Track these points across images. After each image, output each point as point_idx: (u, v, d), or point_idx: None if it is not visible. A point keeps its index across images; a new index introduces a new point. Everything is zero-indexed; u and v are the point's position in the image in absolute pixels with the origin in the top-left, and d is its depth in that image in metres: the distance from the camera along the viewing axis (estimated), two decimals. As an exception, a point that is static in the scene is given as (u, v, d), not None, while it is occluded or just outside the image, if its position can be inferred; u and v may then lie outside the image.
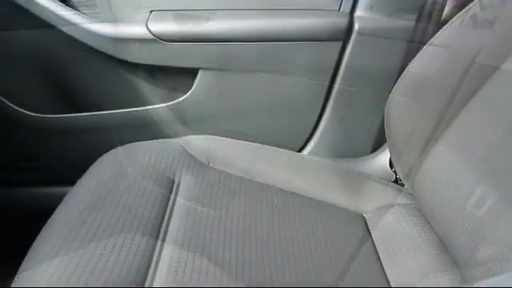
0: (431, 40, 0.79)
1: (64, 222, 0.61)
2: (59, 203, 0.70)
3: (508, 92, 0.70)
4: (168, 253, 0.59)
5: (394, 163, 0.87)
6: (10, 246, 0.99)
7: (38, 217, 0.74)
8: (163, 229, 0.64)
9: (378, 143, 0.96)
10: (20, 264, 0.61)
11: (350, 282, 0.66)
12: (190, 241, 0.62)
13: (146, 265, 0.57)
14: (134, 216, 0.64)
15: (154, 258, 0.58)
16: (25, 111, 0.97)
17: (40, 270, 0.54)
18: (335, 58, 0.91)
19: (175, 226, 0.65)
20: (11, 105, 0.95)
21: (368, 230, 0.79)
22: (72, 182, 0.76)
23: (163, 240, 0.62)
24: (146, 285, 0.55)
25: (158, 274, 0.56)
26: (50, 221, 0.63)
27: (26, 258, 0.58)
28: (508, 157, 0.66)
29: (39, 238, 0.61)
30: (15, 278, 0.55)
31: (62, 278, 0.51)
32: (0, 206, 1.07)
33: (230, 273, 0.58)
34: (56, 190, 1.03)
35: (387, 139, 0.85)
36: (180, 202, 0.71)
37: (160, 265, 0.58)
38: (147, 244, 0.59)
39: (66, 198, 0.69)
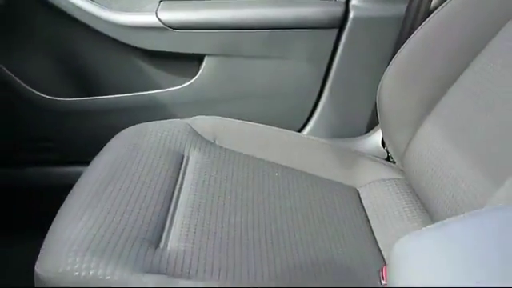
0: (420, 27, 0.86)
1: (87, 189, 0.68)
2: (74, 181, 0.77)
3: (488, 75, 0.77)
4: (180, 217, 0.67)
5: (386, 142, 0.93)
6: (32, 221, 1.06)
7: (54, 194, 0.81)
8: (175, 197, 0.71)
9: (372, 124, 1.03)
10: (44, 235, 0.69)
11: (343, 245, 0.73)
12: (199, 207, 0.69)
13: (161, 227, 0.64)
14: (148, 185, 0.71)
15: (168, 221, 0.66)
16: (42, 94, 1.03)
17: (67, 231, 0.60)
18: (332, 44, 0.98)
19: (185, 194, 0.72)
20: (29, 88, 1.02)
21: (361, 201, 0.86)
22: (86, 162, 0.83)
23: (175, 206, 0.69)
24: (161, 244, 0.62)
25: (171, 234, 0.64)
26: (73, 189, 0.71)
27: (53, 224, 0.65)
28: (487, 135, 0.72)
29: (64, 205, 0.68)
30: (44, 241, 0.62)
31: (87, 237, 0.58)
32: (19, 185, 1.14)
33: (235, 234, 0.65)
34: (71, 169, 1.10)
35: (379, 120, 0.92)
36: (189, 174, 0.78)
37: (173, 227, 0.65)
38: (161, 209, 0.67)
39: (86, 170, 0.76)
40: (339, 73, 1.00)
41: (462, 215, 0.42)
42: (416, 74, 0.86)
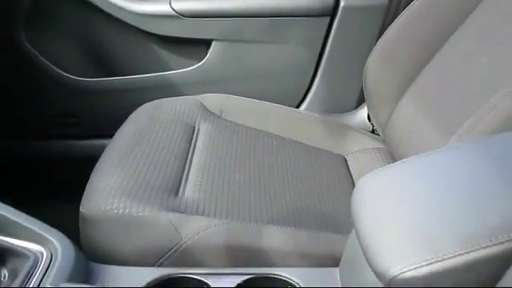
0: (400, 15, 0.98)
1: (116, 151, 0.82)
2: (96, 153, 0.88)
3: (453, 56, 0.90)
4: (193, 173, 0.80)
5: (371, 116, 1.06)
6: (58, 188, 1.19)
7: (77, 165, 0.94)
8: (189, 158, 0.85)
9: (360, 101, 1.16)
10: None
11: (330, 203, 0.87)
12: (209, 167, 0.83)
13: (178, 181, 0.78)
14: (167, 149, 0.84)
15: (184, 176, 0.79)
16: (68, 75, 1.16)
17: (103, 181, 0.74)
18: (324, 30, 1.10)
19: (197, 157, 0.85)
20: (58, 70, 1.15)
21: (348, 166, 1.00)
22: (107, 135, 0.95)
23: (189, 166, 0.82)
24: (179, 193, 0.76)
25: (187, 186, 0.77)
26: (104, 151, 0.84)
27: (91, 177, 0.78)
28: (452, 106, 0.85)
29: (98, 163, 0.82)
30: (85, 189, 0.76)
31: (121, 185, 0.72)
32: (47, 156, 1.28)
33: (239, 187, 0.79)
34: (93, 142, 1.23)
35: (365, 98, 1.05)
36: (200, 141, 0.91)
37: (188, 181, 0.78)
38: (178, 167, 0.80)
39: (114, 137, 0.90)
40: (331, 56, 1.13)
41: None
42: (396, 57, 0.99)
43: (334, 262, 0.64)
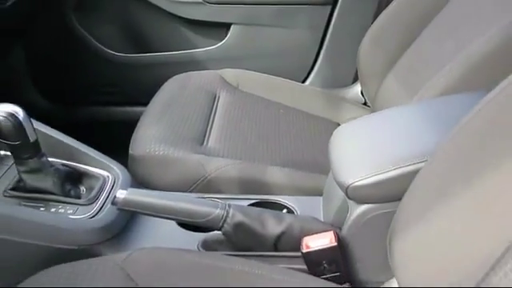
0: (391, 4, 1.17)
1: (155, 110, 1.04)
2: (133, 118, 1.07)
3: (432, 41, 1.08)
4: (215, 129, 1.02)
5: (363, 91, 1.27)
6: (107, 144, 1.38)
7: (120, 126, 1.15)
8: (211, 118, 1.06)
9: (356, 77, 1.36)
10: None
11: (320, 153, 1.00)
12: (228, 125, 1.04)
13: (203, 134, 0.99)
14: (194, 111, 1.05)
15: (207, 130, 1.01)
16: (109, 50, 1.38)
17: (146, 132, 0.96)
18: (326, 16, 1.30)
19: (218, 118, 1.06)
20: (102, 47, 1.38)
21: None
22: (142, 103, 1.15)
23: (212, 123, 1.04)
24: (204, 143, 0.97)
25: (210, 138, 0.99)
26: (146, 110, 1.06)
27: (136, 129, 0.99)
28: (426, 82, 1.04)
29: (141, 120, 1.03)
30: (132, 137, 0.97)
31: (159, 135, 0.93)
32: (94, 120, 1.49)
33: (252, 140, 1.00)
34: (130, 108, 1.45)
35: (359, 75, 1.24)
36: (220, 106, 1.12)
37: (211, 134, 1.00)
38: (203, 123, 1.02)
39: (152, 100, 1.11)
40: (331, 38, 1.33)
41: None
42: (384, 41, 1.18)
43: (318, 193, 0.85)
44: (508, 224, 0.41)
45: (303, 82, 1.39)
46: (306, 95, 1.27)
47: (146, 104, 1.14)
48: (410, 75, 1.09)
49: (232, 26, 1.34)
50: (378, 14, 1.25)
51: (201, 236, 0.74)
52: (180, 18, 1.34)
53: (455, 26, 1.05)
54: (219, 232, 0.69)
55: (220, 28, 1.36)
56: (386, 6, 1.24)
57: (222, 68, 1.26)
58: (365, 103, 1.32)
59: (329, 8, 1.30)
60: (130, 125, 1.03)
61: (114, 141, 1.01)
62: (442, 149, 0.55)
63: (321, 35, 1.34)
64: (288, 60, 1.37)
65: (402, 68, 1.13)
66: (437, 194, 0.51)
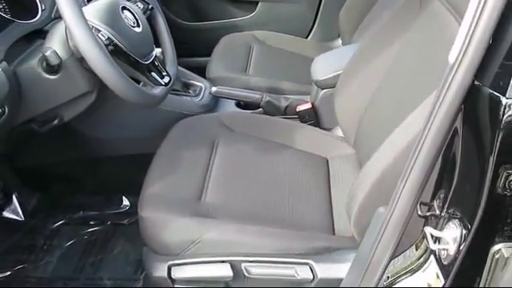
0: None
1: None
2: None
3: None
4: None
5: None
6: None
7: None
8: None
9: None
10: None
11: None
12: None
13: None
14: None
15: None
16: (179, 20, 2.11)
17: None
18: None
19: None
20: (174, 17, 2.12)
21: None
22: (205, 54, 1.89)
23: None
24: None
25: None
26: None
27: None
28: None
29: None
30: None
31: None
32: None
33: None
34: (195, 59, 2.10)
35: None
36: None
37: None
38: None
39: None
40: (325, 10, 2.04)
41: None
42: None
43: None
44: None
45: (307, 36, 2.11)
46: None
47: (203, 55, 1.89)
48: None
49: (259, 4, 2.08)
50: None
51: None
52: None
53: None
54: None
55: (251, 4, 2.10)
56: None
57: (253, 30, 2.00)
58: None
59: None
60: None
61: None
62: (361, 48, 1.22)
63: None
64: (295, 21, 2.09)
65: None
66: (353, 68, 1.16)
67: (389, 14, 1.22)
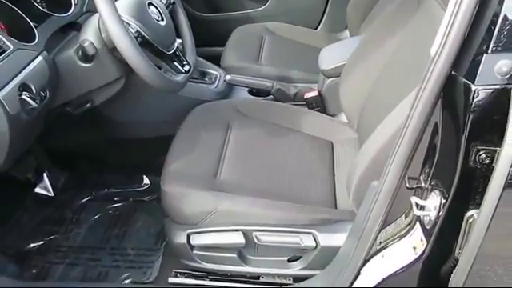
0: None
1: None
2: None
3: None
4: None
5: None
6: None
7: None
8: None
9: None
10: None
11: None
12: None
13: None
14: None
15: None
16: (198, 12, 2.23)
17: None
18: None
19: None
20: (192, 9, 2.24)
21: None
22: (219, 44, 2.01)
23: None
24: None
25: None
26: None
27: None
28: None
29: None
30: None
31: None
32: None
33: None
34: (209, 48, 2.29)
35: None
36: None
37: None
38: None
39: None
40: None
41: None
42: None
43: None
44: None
45: (316, 27, 2.23)
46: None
47: (218, 45, 2.00)
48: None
49: (271, -4, 2.22)
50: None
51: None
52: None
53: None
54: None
55: (264, -3, 2.23)
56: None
57: (265, 22, 2.12)
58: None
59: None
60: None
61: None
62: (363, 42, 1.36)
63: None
64: (305, 13, 2.20)
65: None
66: (357, 59, 1.26)
67: (390, 9, 1.31)
